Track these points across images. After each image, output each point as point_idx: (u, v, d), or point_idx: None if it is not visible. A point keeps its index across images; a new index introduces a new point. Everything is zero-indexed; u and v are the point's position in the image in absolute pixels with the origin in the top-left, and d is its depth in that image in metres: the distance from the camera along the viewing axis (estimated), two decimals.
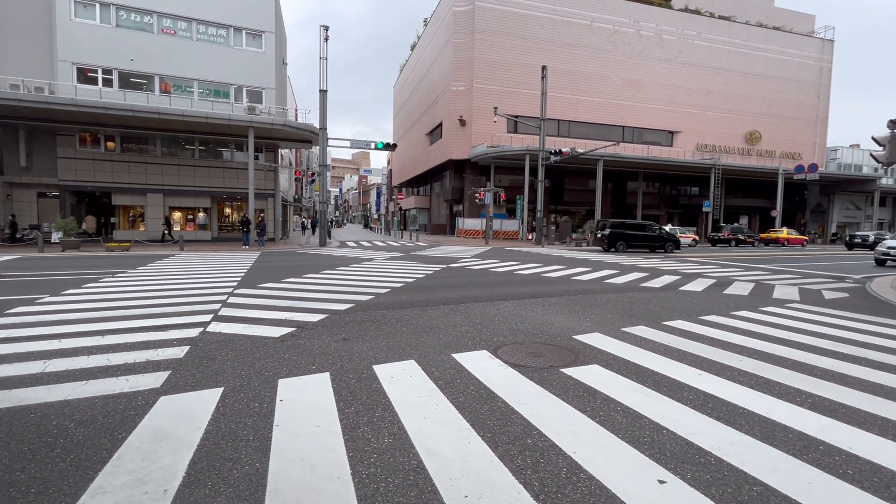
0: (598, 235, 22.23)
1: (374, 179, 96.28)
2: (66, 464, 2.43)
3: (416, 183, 51.08)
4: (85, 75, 21.74)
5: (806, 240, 33.04)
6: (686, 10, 38.14)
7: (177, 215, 24.45)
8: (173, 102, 22.28)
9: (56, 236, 17.74)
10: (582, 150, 27.79)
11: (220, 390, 3.49)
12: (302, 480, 2.29)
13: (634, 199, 37.55)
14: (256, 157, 23.63)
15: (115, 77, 22.17)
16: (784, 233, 31.66)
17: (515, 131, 32.97)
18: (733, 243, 29.49)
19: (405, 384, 3.70)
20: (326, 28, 21.22)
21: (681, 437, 2.88)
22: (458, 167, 35.78)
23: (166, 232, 22.29)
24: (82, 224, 21.46)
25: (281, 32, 28.11)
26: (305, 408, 3.20)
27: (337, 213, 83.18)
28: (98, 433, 2.77)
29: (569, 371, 4.11)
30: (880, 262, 16.49)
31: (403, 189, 56.58)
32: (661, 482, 2.36)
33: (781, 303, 8.07)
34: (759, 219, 41.71)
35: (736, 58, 38.91)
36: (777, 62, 40.18)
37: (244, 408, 3.19)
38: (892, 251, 16.06)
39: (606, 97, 35.80)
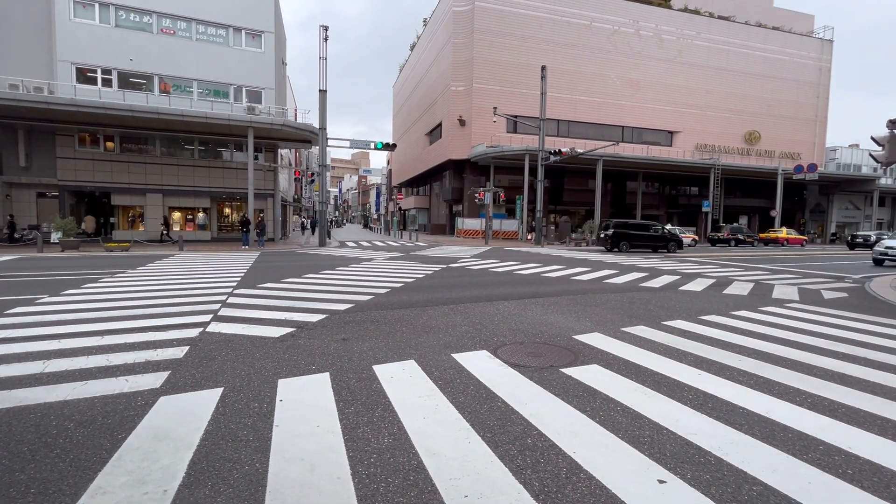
0: (602, 235, 22.22)
1: (374, 179, 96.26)
2: (65, 464, 2.43)
3: (416, 183, 51.08)
4: (84, 75, 21.72)
5: (805, 240, 33.06)
6: (685, 10, 38.16)
7: (176, 215, 24.44)
8: (173, 102, 22.28)
9: (55, 236, 17.72)
10: (581, 150, 27.80)
11: (219, 390, 3.49)
12: (302, 481, 2.29)
13: (634, 199, 37.56)
14: (256, 157, 23.63)
15: (114, 77, 22.16)
16: (783, 233, 31.68)
17: (515, 131, 32.98)
18: (733, 243, 29.50)
19: (405, 384, 3.70)
20: (326, 28, 21.21)
21: (680, 436, 2.88)
22: (458, 167, 35.78)
23: (164, 232, 22.28)
24: (81, 224, 21.44)
25: (280, 32, 28.10)
26: (305, 408, 3.20)
27: (336, 213, 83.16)
28: (98, 433, 2.77)
29: (569, 371, 4.11)
30: (878, 262, 16.50)
31: (403, 189, 56.58)
32: (661, 482, 2.36)
33: (781, 303, 8.08)
34: (759, 219, 41.73)
35: (735, 58, 38.94)
36: (776, 62, 40.22)
37: (244, 408, 3.19)
38: (889, 251, 16.07)
39: (606, 97, 35.81)
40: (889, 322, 6.65)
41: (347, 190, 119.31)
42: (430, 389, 3.60)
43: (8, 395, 3.31)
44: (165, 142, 23.37)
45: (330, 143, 22.64)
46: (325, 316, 6.17)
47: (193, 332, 5.15)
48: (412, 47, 48.93)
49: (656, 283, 10.44)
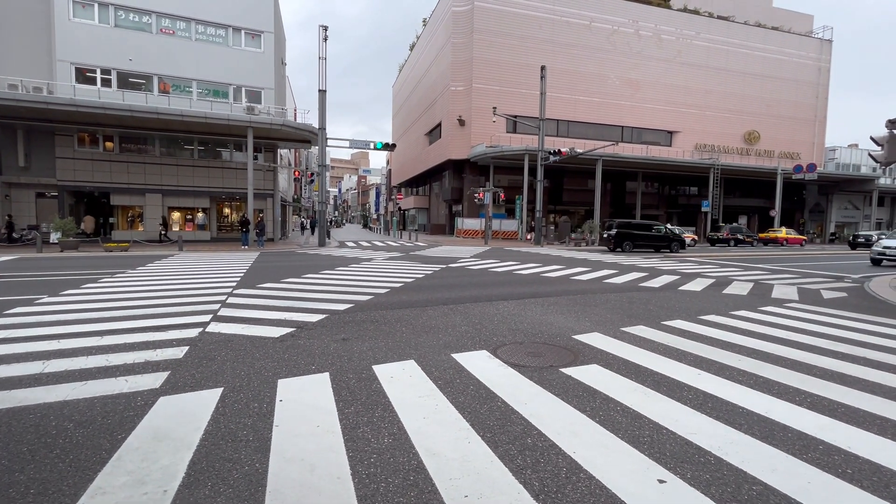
0: (605, 235, 22.21)
1: (374, 179, 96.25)
2: (65, 464, 2.42)
3: (416, 183, 51.08)
4: (83, 75, 21.71)
5: (804, 239, 33.08)
6: (685, 10, 38.19)
7: (176, 215, 24.43)
8: (172, 102, 22.27)
9: (54, 236, 17.70)
10: (581, 150, 27.81)
11: (219, 391, 3.49)
12: (302, 481, 2.29)
13: (633, 199, 37.57)
14: (255, 158, 23.62)
15: (113, 77, 22.15)
16: (783, 232, 31.69)
17: (514, 131, 32.98)
18: (732, 243, 29.52)
19: (405, 384, 3.70)
20: (325, 28, 21.21)
21: (680, 436, 2.88)
22: (458, 167, 35.78)
23: (163, 233, 22.26)
24: (81, 224, 21.44)
25: (280, 32, 28.09)
26: (305, 408, 3.20)
27: (336, 213, 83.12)
28: (97, 434, 2.77)
29: (568, 371, 4.11)
30: (876, 262, 16.49)
31: (402, 189, 56.58)
32: (661, 482, 2.36)
33: (780, 302, 8.08)
34: (758, 218, 41.77)
35: (735, 58, 38.97)
36: (775, 62, 40.25)
37: (244, 408, 3.19)
38: (887, 251, 16.06)
39: (605, 97, 35.83)
40: (888, 322, 6.66)
41: (347, 190, 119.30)
42: (429, 389, 3.60)
43: (7, 396, 3.31)
44: (165, 142, 23.36)
45: (329, 143, 22.64)
46: (324, 316, 6.17)
47: (193, 333, 5.14)
48: (412, 47, 48.94)
49: (656, 282, 10.44)
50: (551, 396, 3.51)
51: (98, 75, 21.89)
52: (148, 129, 21.47)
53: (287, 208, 36.87)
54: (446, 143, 35.22)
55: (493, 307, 7.07)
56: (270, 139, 24.11)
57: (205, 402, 3.27)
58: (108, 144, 22.61)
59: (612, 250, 21.44)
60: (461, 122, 33.76)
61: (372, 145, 23.94)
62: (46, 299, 6.97)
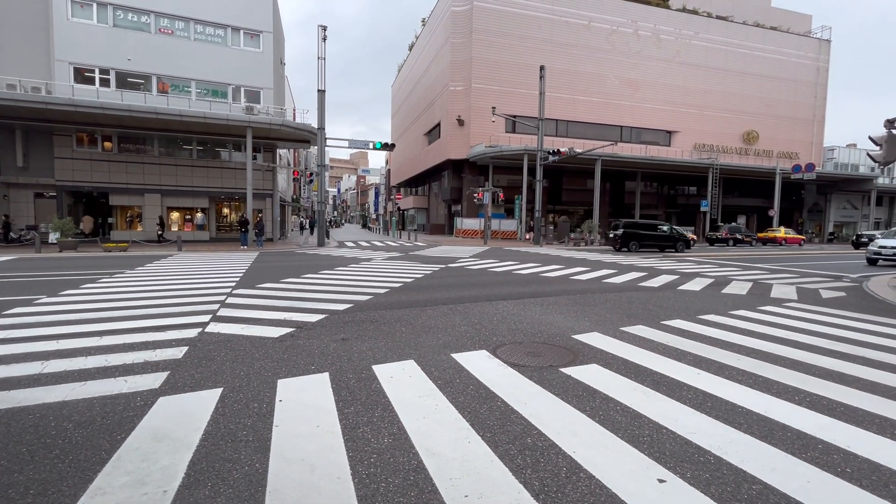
0: (611, 235, 22.25)
1: (373, 179, 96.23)
2: (64, 465, 2.42)
3: (415, 183, 51.07)
4: (82, 75, 21.68)
5: (803, 239, 33.12)
6: (683, 10, 38.21)
7: (175, 215, 24.40)
8: (171, 102, 22.25)
9: (53, 237, 17.68)
10: (580, 150, 27.82)
11: (219, 391, 3.49)
12: (302, 481, 2.29)
13: (633, 199, 37.59)
14: (254, 158, 23.59)
15: (112, 77, 22.12)
16: (781, 232, 31.73)
17: (514, 131, 32.99)
18: (731, 243, 29.56)
19: (405, 384, 3.70)
20: (325, 28, 21.20)
21: (680, 436, 2.88)
22: (457, 167, 35.77)
23: (160, 233, 22.22)
24: (79, 224, 21.41)
25: (279, 32, 28.06)
26: (305, 408, 3.20)
27: (335, 213, 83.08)
28: (97, 434, 2.76)
29: (568, 370, 4.11)
30: (872, 262, 16.50)
31: (402, 189, 56.54)
32: (661, 481, 2.37)
33: (779, 302, 8.09)
34: (757, 218, 41.82)
35: (733, 58, 39.01)
36: (774, 62, 40.30)
37: (243, 408, 3.19)
38: (883, 250, 16.07)
39: (605, 97, 35.84)
40: (887, 321, 6.67)
41: (346, 190, 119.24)
42: (429, 389, 3.60)
43: (6, 396, 3.30)
44: (164, 142, 23.33)
45: (328, 143, 22.63)
46: (324, 316, 6.16)
47: (192, 333, 5.14)
48: (410, 47, 48.91)
49: (655, 282, 10.45)
50: (551, 396, 3.51)
51: (97, 75, 21.86)
52: (147, 129, 21.44)
53: (286, 208, 36.85)
54: (445, 143, 35.22)
55: (493, 307, 7.07)
56: (269, 139, 24.10)
57: (204, 402, 3.27)
58: (107, 144, 22.58)
59: (618, 250, 21.48)
60: (460, 122, 33.76)
61: (371, 145, 23.94)
62: (45, 299, 6.96)
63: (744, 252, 23.69)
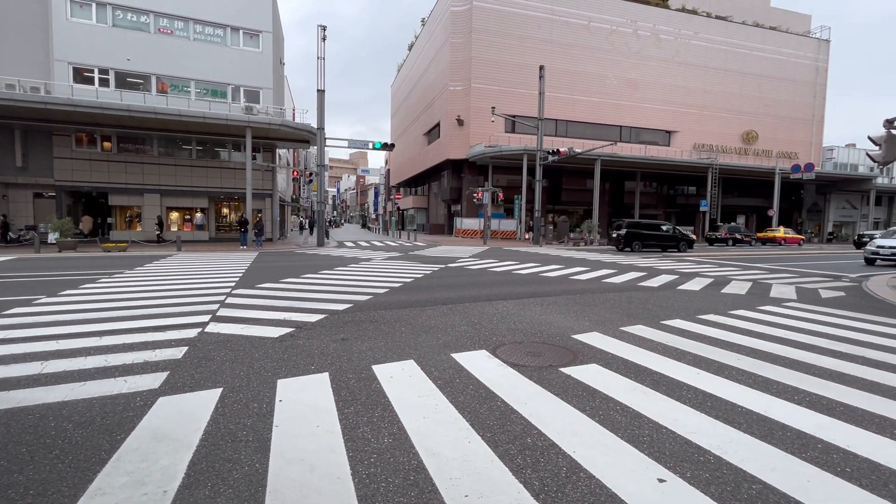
0: (614, 235, 22.29)
1: (372, 179, 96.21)
2: (64, 465, 2.42)
3: (414, 183, 51.06)
4: (81, 75, 21.65)
5: (803, 239, 33.15)
6: (683, 10, 38.23)
7: (174, 215, 24.39)
8: (170, 102, 22.23)
9: (52, 237, 17.66)
10: (579, 150, 27.83)
11: (218, 391, 3.48)
12: (302, 481, 2.29)
13: (632, 199, 37.61)
14: (254, 158, 23.58)
15: (111, 77, 22.10)
16: (781, 232, 31.76)
17: (513, 131, 33.00)
18: (730, 242, 29.59)
19: (404, 384, 3.70)
20: (324, 28, 21.19)
21: (680, 435, 2.89)
22: (456, 167, 35.77)
23: (158, 233, 22.19)
24: (79, 224, 21.39)
25: (278, 32, 28.05)
26: (305, 408, 3.20)
27: (334, 213, 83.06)
28: (96, 434, 2.76)
29: (568, 370, 4.11)
30: (869, 262, 16.51)
31: (401, 189, 56.54)
32: (661, 481, 2.37)
33: (779, 302, 8.10)
34: (756, 218, 41.85)
35: (733, 58, 39.04)
36: (773, 62, 40.33)
37: (243, 408, 3.18)
38: (881, 250, 16.08)
39: (604, 97, 35.86)
40: (887, 321, 6.68)
41: (346, 190, 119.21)
42: (429, 389, 3.60)
43: (6, 396, 3.30)
44: (163, 142, 23.31)
45: (328, 142, 22.62)
46: (323, 316, 6.16)
47: (192, 333, 5.13)
48: (410, 47, 48.91)
49: (654, 282, 10.46)
50: (551, 396, 3.51)
51: (96, 75, 21.84)
52: (146, 129, 21.43)
53: (286, 208, 36.84)
54: (445, 143, 35.22)
55: (493, 307, 7.07)
56: (269, 139, 24.09)
57: (204, 402, 3.27)
58: (106, 144, 22.56)
59: (621, 250, 21.52)
60: (460, 122, 33.76)
61: (370, 145, 23.93)
62: (45, 300, 6.95)
63: (743, 252, 23.70)
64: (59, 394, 3.36)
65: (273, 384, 3.64)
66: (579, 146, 29.98)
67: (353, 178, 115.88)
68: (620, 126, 36.65)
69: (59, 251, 16.06)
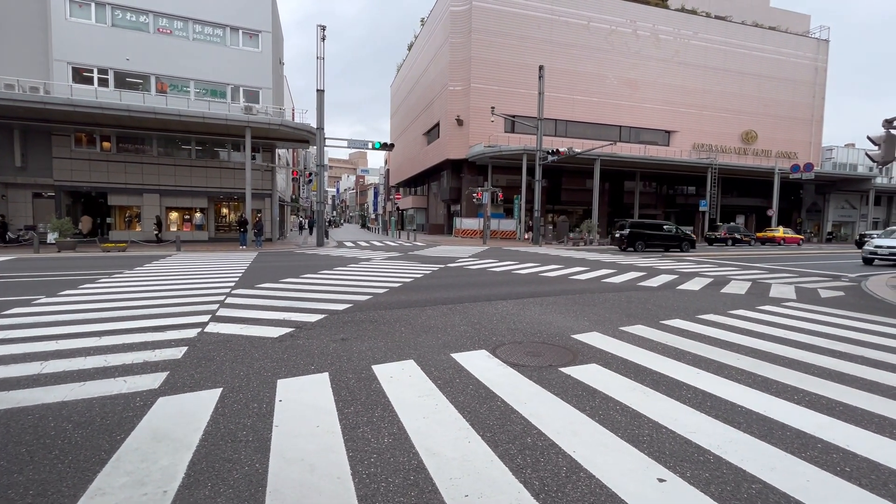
0: (617, 235, 22.33)
1: (372, 179, 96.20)
2: (64, 465, 2.42)
3: (414, 183, 51.06)
4: (80, 75, 21.63)
5: (802, 239, 33.18)
6: (682, 10, 38.25)
7: (173, 215, 24.37)
8: (170, 102, 22.21)
9: (52, 237, 17.64)
10: (579, 150, 27.84)
11: (218, 391, 3.48)
12: (302, 481, 2.29)
13: (631, 199, 37.63)
14: (253, 157, 23.57)
15: (110, 77, 22.08)
16: (780, 232, 31.79)
17: (513, 131, 33.01)
18: (730, 242, 29.62)
19: (404, 384, 3.70)
20: (324, 28, 21.18)
21: (680, 435, 2.89)
22: (456, 167, 35.77)
23: (156, 234, 22.18)
24: (78, 224, 21.36)
25: (278, 32, 28.04)
26: (305, 408, 3.20)
27: (334, 213, 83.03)
28: (96, 434, 2.76)
29: (567, 370, 4.11)
30: (867, 262, 16.52)
31: (401, 189, 56.55)
32: (661, 480, 2.37)
33: (778, 301, 8.11)
34: (756, 218, 41.89)
35: (732, 58, 39.06)
36: (773, 62, 40.37)
37: (243, 408, 3.18)
38: (879, 250, 16.10)
39: (604, 97, 35.87)
40: (886, 321, 6.68)
41: (345, 190, 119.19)
42: (429, 389, 3.60)
43: (6, 397, 3.30)
44: (162, 142, 23.29)
45: (327, 142, 22.62)
46: (323, 316, 6.16)
47: (192, 333, 5.13)
48: (409, 47, 48.90)
49: (654, 282, 10.46)
50: (551, 396, 3.51)
51: (95, 75, 21.81)
52: (145, 128, 21.41)
53: (285, 208, 36.82)
54: (444, 143, 35.21)
55: (492, 307, 7.07)
56: (268, 139, 24.08)
57: (204, 402, 3.27)
58: (106, 144, 22.54)
59: (623, 249, 21.56)
60: (459, 122, 33.76)
61: (370, 145, 23.93)
62: (44, 300, 6.94)
63: (742, 252, 23.72)
64: (59, 394, 3.36)
65: (273, 384, 3.64)
66: (579, 146, 29.99)
67: (353, 178, 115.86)
68: (620, 126, 36.66)
69: (59, 251, 16.05)
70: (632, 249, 21.40)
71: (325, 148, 22.89)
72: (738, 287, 9.87)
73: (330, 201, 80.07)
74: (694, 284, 10.13)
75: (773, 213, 35.25)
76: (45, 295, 7.35)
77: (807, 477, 2.43)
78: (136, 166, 22.67)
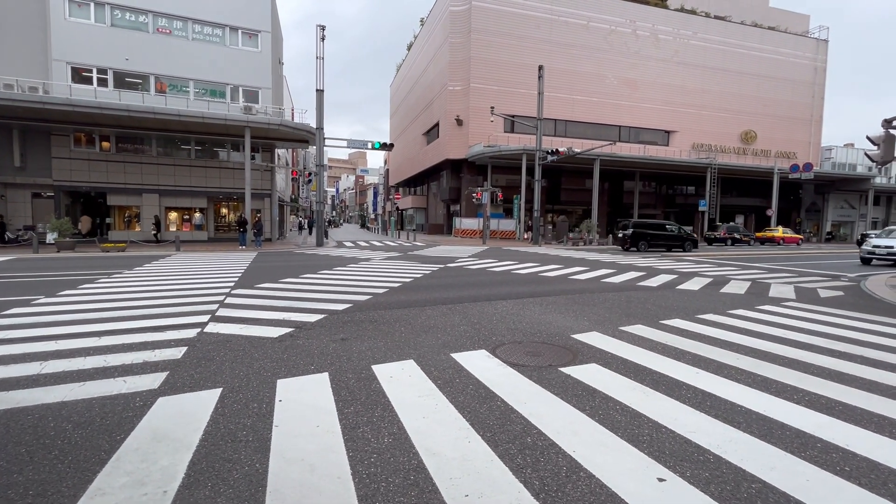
0: (620, 235, 22.38)
1: (371, 179, 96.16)
2: (64, 465, 2.41)
3: (413, 183, 51.05)
4: (80, 75, 21.60)
5: (801, 238, 33.23)
6: (682, 10, 38.27)
7: (173, 215, 24.35)
8: (169, 102, 22.18)
9: (51, 237, 17.63)
10: (579, 150, 27.85)
11: (218, 391, 3.48)
12: (302, 481, 2.29)
13: (631, 199, 37.65)
14: (253, 157, 23.56)
15: (110, 77, 22.05)
16: (779, 232, 31.82)
17: (512, 131, 33.01)
18: (729, 242, 29.65)
19: (404, 384, 3.70)
20: (323, 28, 21.18)
21: (680, 435, 2.89)
22: (455, 167, 35.77)
23: (155, 234, 22.16)
24: (77, 224, 21.34)
25: (277, 32, 28.02)
26: (305, 408, 3.20)
27: (333, 213, 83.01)
28: (96, 434, 2.76)
29: (567, 370, 4.11)
30: (866, 262, 16.55)
31: (400, 189, 56.53)
32: (661, 480, 2.37)
33: (778, 301, 8.11)
34: (755, 218, 41.92)
35: (731, 57, 39.08)
36: (772, 62, 40.40)
37: (243, 408, 3.18)
38: (877, 250, 16.12)
39: (603, 97, 35.88)
40: (886, 320, 6.69)
41: (345, 190, 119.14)
42: (429, 389, 3.60)
43: (5, 397, 3.29)
44: (162, 142, 23.27)
45: (327, 142, 22.61)
46: (323, 316, 6.16)
47: (191, 333, 5.13)
48: (409, 47, 48.89)
49: (653, 282, 10.47)
50: (550, 396, 3.51)
51: (94, 75, 21.79)
52: (145, 128, 21.39)
53: (284, 208, 36.81)
54: (444, 143, 35.21)
55: (492, 307, 7.07)
56: (268, 139, 24.07)
57: (204, 402, 3.27)
58: (105, 144, 22.52)
59: (626, 249, 21.61)
60: (459, 122, 33.76)
61: (370, 145, 23.93)
62: (43, 300, 6.94)
63: (742, 251, 23.74)
64: (59, 394, 3.36)
65: (273, 384, 3.64)
66: (578, 146, 29.99)
67: (352, 177, 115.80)
68: (619, 126, 36.68)
69: (58, 251, 16.03)
70: (634, 249, 21.43)
71: (325, 148, 22.89)
72: (737, 287, 9.87)
73: (329, 201, 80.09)
74: (693, 284, 10.14)
75: (772, 212, 35.28)
76: (45, 295, 7.35)
77: (806, 476, 2.44)
78: (135, 166, 22.65)
